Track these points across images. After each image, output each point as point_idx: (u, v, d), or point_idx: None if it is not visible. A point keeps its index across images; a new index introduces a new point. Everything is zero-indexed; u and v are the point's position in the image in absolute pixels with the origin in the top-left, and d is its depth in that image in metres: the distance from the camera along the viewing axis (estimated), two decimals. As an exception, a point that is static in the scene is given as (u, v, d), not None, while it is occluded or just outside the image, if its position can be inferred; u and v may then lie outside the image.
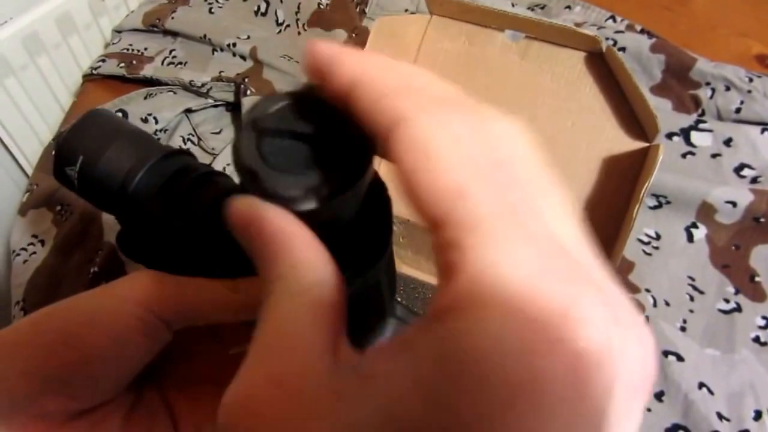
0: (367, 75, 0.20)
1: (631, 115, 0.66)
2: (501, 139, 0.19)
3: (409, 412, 0.16)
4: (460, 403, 0.16)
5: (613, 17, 0.91)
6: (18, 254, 0.81)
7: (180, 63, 0.96)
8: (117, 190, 0.33)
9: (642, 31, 0.87)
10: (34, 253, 0.80)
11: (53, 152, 0.35)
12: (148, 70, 0.95)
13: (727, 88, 0.79)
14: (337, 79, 0.21)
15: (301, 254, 0.21)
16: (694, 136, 0.77)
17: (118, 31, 1.06)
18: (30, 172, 1.01)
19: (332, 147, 0.22)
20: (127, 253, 0.35)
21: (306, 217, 0.21)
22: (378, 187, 0.27)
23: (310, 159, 0.22)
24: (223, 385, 0.34)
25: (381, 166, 0.25)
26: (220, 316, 0.31)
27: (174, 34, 1.01)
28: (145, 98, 0.92)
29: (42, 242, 0.81)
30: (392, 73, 0.21)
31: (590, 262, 0.19)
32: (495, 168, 0.18)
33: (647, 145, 0.65)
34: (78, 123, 0.35)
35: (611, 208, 0.65)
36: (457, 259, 0.17)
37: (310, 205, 0.21)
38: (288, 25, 1.00)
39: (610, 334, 0.16)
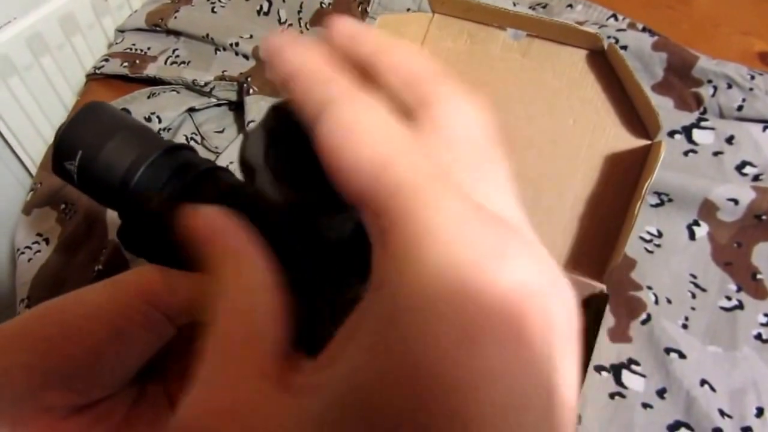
0: (303, 67, 0.21)
1: (632, 112, 0.66)
2: (453, 118, 0.20)
3: (366, 388, 0.16)
4: (410, 363, 0.16)
5: (614, 16, 0.91)
6: (22, 253, 0.81)
7: (183, 62, 0.97)
8: (118, 185, 0.33)
9: (644, 30, 0.87)
10: (39, 251, 0.81)
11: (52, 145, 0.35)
12: (151, 70, 0.96)
13: (729, 86, 0.79)
14: (277, 71, 0.22)
15: (247, 271, 0.21)
16: (696, 134, 0.77)
17: (121, 31, 1.07)
18: (33, 171, 1.02)
19: None
20: (128, 248, 0.35)
21: (292, 229, 0.22)
22: None
23: (310, 171, 0.22)
24: None
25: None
26: None
27: (177, 33, 1.01)
28: (149, 97, 0.92)
29: (46, 241, 0.82)
30: (325, 65, 0.21)
31: (520, 224, 0.19)
32: (425, 144, 0.19)
33: (649, 142, 0.65)
34: (77, 116, 0.34)
35: (613, 205, 0.65)
36: (385, 224, 0.18)
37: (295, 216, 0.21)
38: (290, 25, 1.00)
39: (538, 279, 0.17)
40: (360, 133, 0.18)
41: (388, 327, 0.16)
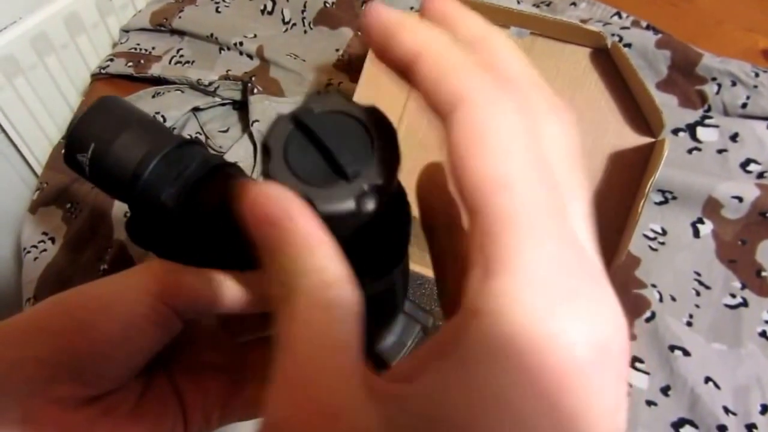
0: (431, 49, 0.19)
1: (636, 110, 0.66)
2: (552, 137, 0.20)
3: (452, 406, 0.17)
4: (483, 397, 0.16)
5: (618, 13, 0.91)
6: (29, 251, 0.82)
7: (187, 62, 0.97)
8: (129, 178, 0.33)
9: (648, 27, 0.88)
10: (45, 250, 0.81)
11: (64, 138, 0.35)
12: (155, 69, 0.96)
13: (734, 84, 0.79)
14: (397, 50, 0.20)
15: (326, 262, 0.19)
16: (700, 131, 0.77)
17: (125, 31, 1.07)
18: (39, 170, 1.02)
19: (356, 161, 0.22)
20: (136, 241, 0.35)
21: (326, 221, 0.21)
22: (399, 194, 0.27)
23: (329, 167, 0.21)
24: (232, 372, 0.34)
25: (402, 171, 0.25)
26: (229, 309, 0.31)
27: (181, 33, 1.02)
28: (153, 97, 0.93)
29: (52, 240, 0.82)
30: (457, 48, 0.20)
31: (595, 261, 0.19)
32: (539, 164, 0.18)
33: (653, 140, 0.65)
34: (90, 109, 0.35)
35: (617, 203, 0.65)
36: (492, 251, 0.17)
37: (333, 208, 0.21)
38: (294, 24, 1.00)
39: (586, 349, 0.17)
40: (488, 149, 0.18)
41: (479, 359, 0.17)
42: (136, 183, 0.33)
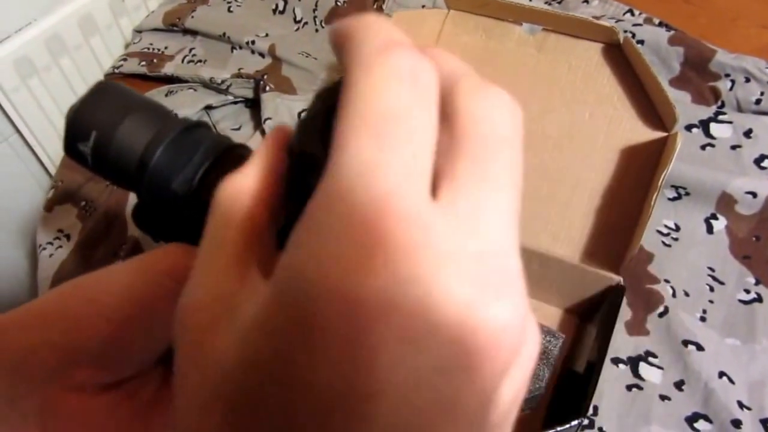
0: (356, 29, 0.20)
1: (649, 105, 0.67)
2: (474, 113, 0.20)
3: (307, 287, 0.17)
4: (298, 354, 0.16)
5: (630, 11, 0.92)
6: (44, 248, 0.83)
7: (200, 61, 0.98)
8: (136, 166, 0.32)
9: (660, 24, 0.88)
10: (60, 247, 0.83)
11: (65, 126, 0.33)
12: (168, 68, 0.98)
13: (747, 80, 0.80)
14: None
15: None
16: (714, 127, 0.77)
17: (138, 31, 1.09)
18: (52, 169, 1.04)
19: None
20: (144, 229, 0.34)
21: None
22: None
23: None
24: None
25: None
26: None
27: (194, 32, 1.03)
28: (166, 95, 0.94)
29: (67, 237, 0.84)
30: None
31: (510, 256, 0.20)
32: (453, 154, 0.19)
33: (665, 135, 0.66)
34: (89, 95, 0.33)
35: (629, 198, 0.66)
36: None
37: None
38: (306, 23, 1.01)
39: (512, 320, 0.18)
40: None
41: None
42: (143, 171, 0.32)
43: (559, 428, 0.54)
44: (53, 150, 1.04)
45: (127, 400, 0.30)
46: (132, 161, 0.32)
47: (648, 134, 0.67)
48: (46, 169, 1.06)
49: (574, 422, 0.54)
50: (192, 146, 0.33)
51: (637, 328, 0.68)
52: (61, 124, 1.03)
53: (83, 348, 0.28)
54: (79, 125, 0.32)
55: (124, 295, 0.29)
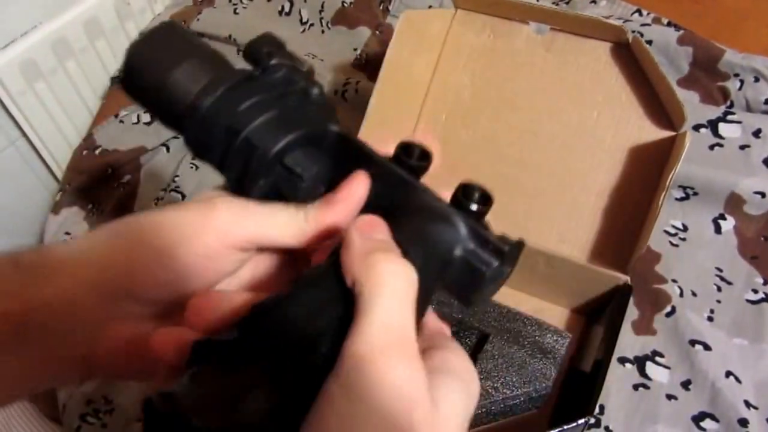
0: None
1: (657, 104, 0.69)
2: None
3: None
4: None
5: (639, 11, 0.94)
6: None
7: (206, 63, 1.01)
8: (187, 106, 0.32)
9: (669, 24, 0.90)
10: (67, 249, 0.85)
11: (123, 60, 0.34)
12: (174, 71, 1.00)
13: (757, 80, 0.81)
14: None
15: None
16: (722, 127, 0.79)
17: (144, 33, 1.11)
18: (58, 173, 1.06)
19: None
20: (198, 154, 0.35)
21: None
22: None
23: None
24: None
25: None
26: (289, 242, 0.33)
27: (200, 35, 1.06)
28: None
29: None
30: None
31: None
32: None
33: (674, 134, 0.67)
34: (151, 32, 0.34)
35: (637, 198, 0.68)
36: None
37: None
38: (312, 24, 1.04)
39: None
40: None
41: None
42: (193, 114, 0.32)
43: (565, 427, 0.56)
44: (59, 153, 1.06)
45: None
46: (184, 102, 0.33)
47: (656, 134, 0.69)
48: (52, 172, 1.08)
49: (581, 421, 0.56)
50: (267, 90, 0.34)
51: (644, 327, 0.70)
52: (67, 128, 1.06)
53: (139, 291, 0.31)
54: (138, 60, 0.33)
55: (185, 245, 0.31)
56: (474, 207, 0.31)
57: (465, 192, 0.32)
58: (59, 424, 0.80)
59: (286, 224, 0.33)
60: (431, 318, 0.33)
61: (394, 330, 0.25)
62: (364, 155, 0.34)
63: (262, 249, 0.34)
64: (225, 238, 0.31)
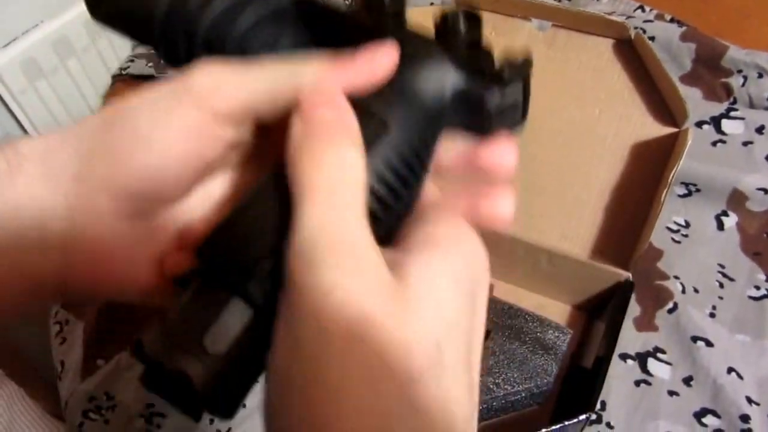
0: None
1: (659, 101, 0.69)
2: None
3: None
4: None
5: (641, 7, 0.94)
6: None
7: (208, 61, 1.01)
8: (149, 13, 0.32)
9: (672, 21, 0.90)
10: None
11: None
12: (176, 69, 1.01)
13: (760, 75, 0.82)
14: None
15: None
16: (725, 124, 0.80)
17: (145, 32, 1.12)
18: (59, 172, 1.07)
19: None
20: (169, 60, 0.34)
21: None
22: None
23: None
24: None
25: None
26: (282, 106, 0.29)
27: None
28: (174, 96, 0.97)
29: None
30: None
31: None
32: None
33: (676, 131, 0.68)
34: None
35: (639, 195, 0.68)
36: None
37: None
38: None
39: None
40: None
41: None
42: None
43: (566, 423, 0.56)
44: (60, 152, 1.07)
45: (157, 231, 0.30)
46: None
47: (658, 130, 0.69)
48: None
49: (582, 417, 0.56)
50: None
51: (646, 324, 0.70)
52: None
53: (114, 179, 0.28)
54: None
55: (167, 129, 0.28)
56: (460, 35, 0.29)
57: (446, 22, 0.29)
58: (62, 421, 0.80)
59: (277, 82, 0.29)
60: (426, 191, 0.30)
61: (328, 235, 0.23)
62: (336, 15, 0.32)
63: (255, 133, 0.31)
64: (205, 106, 0.28)
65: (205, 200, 0.32)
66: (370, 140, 0.26)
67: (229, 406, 0.25)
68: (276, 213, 0.25)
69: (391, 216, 0.27)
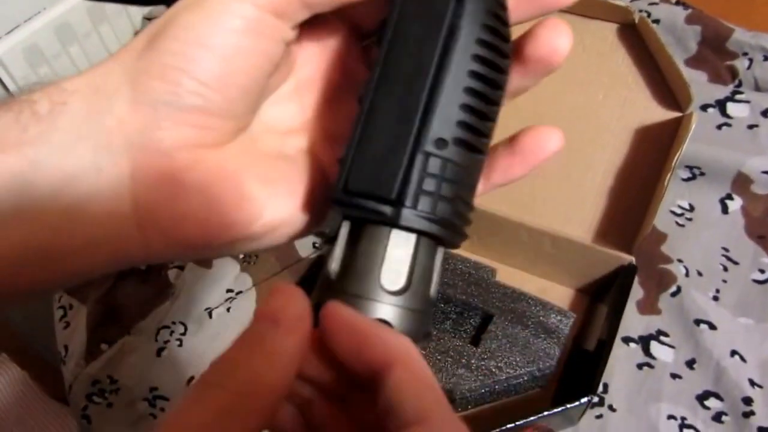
0: (403, 361, 0.24)
1: (664, 85, 0.69)
2: None
3: None
4: None
5: (647, -10, 0.94)
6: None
7: (210, 47, 1.02)
8: None
9: (677, 3, 0.90)
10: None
11: None
12: (178, 55, 1.01)
13: (766, 58, 0.82)
14: (366, 357, 0.24)
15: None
16: (730, 107, 0.80)
17: (148, 18, 1.13)
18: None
19: None
20: None
21: None
22: None
23: None
24: None
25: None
26: None
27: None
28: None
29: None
30: (424, 364, 0.24)
31: None
32: None
33: (680, 115, 0.68)
34: None
35: (643, 178, 0.68)
36: None
37: None
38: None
39: None
40: None
41: None
42: None
43: (568, 405, 0.57)
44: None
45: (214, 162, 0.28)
46: None
47: (663, 114, 0.69)
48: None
49: (584, 399, 0.57)
50: None
51: (649, 307, 0.71)
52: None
53: (184, 100, 0.26)
54: None
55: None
56: None
57: None
58: (66, 405, 0.81)
59: None
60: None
61: None
62: None
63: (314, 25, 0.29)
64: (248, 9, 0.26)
65: (282, 111, 0.31)
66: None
67: (424, 331, 0.27)
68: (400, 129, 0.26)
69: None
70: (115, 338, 0.76)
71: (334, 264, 0.27)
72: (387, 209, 0.26)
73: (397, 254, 0.26)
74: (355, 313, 0.24)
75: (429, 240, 0.27)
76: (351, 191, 0.26)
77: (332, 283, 0.27)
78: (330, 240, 0.27)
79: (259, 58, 0.27)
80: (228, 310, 0.76)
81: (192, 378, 0.72)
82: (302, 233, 0.31)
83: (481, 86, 0.26)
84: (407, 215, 0.25)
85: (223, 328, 0.75)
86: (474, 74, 0.26)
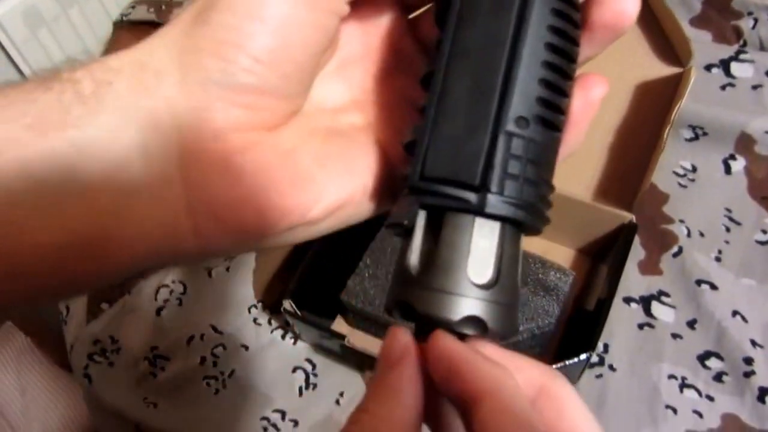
0: (495, 395, 0.22)
1: (665, 42, 0.68)
2: None
3: None
4: None
5: (652, -51, 0.92)
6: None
7: (210, 8, 1.00)
8: None
9: (682, -38, 0.89)
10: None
11: None
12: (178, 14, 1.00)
13: (771, 18, 0.80)
14: (459, 385, 0.23)
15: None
16: (735, 67, 0.78)
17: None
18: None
19: None
20: None
21: None
22: None
23: None
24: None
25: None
26: None
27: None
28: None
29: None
30: (521, 400, 0.22)
31: None
32: None
33: (681, 70, 0.67)
34: None
35: (644, 136, 0.67)
36: None
37: None
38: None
39: None
40: None
41: None
42: None
43: (567, 362, 0.56)
44: (63, 102, 1.07)
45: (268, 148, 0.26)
46: None
47: (663, 70, 0.68)
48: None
49: (583, 356, 0.56)
50: None
51: (650, 267, 0.70)
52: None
53: (236, 78, 0.25)
54: None
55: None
56: None
57: None
58: (70, 371, 0.81)
59: None
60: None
61: None
62: None
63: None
64: None
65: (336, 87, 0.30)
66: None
67: (516, 326, 0.26)
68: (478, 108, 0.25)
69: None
70: (116, 297, 0.76)
71: (413, 257, 0.25)
72: (471, 196, 0.24)
73: (483, 244, 0.24)
74: (456, 342, 0.23)
75: (513, 227, 0.25)
76: (428, 178, 0.25)
77: (413, 278, 0.25)
78: (406, 232, 0.26)
79: (316, 32, 0.25)
80: (227, 269, 0.76)
81: (192, 337, 0.71)
82: (362, 215, 0.29)
83: (558, 59, 0.25)
84: (494, 202, 0.24)
85: (222, 287, 0.75)
86: (551, 47, 0.25)
